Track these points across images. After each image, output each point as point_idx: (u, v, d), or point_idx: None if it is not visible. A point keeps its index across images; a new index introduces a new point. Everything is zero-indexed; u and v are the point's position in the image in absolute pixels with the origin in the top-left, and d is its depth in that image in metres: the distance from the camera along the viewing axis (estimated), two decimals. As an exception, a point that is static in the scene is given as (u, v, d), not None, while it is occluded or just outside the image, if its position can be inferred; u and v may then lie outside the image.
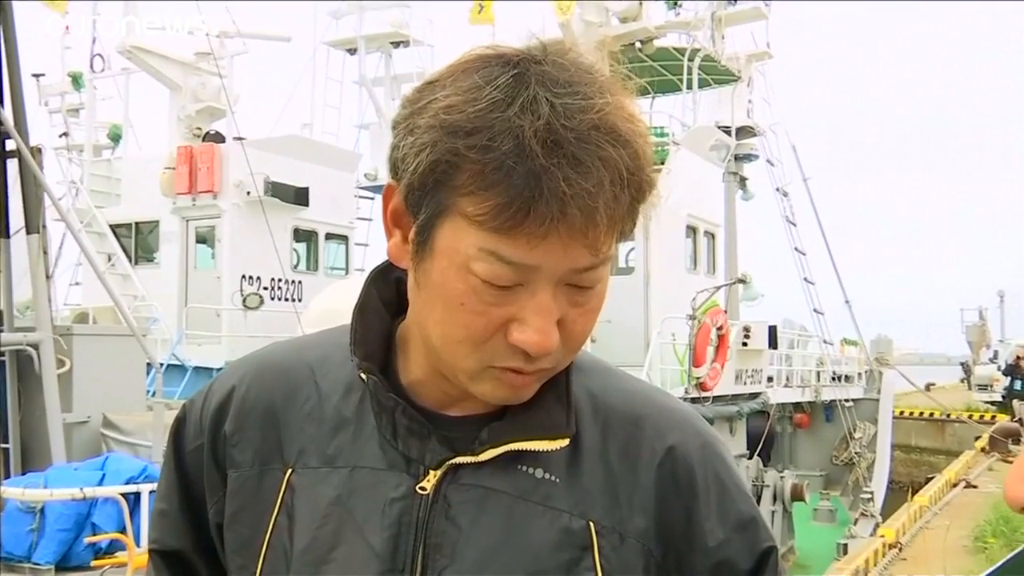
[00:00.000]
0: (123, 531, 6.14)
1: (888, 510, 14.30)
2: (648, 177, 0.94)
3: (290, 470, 1.08)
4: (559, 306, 0.95)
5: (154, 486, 6.50)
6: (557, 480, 1.03)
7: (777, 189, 19.25)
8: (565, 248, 0.91)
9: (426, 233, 0.96)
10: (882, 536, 9.66)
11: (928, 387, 24.49)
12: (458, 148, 0.89)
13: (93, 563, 6.40)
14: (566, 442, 1.03)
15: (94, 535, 6.38)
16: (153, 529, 1.24)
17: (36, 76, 17.29)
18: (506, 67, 0.92)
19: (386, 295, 1.12)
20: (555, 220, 0.89)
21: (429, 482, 1.02)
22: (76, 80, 16.97)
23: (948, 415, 24.77)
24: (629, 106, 0.94)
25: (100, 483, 6.45)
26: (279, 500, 1.07)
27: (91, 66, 16.56)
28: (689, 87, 15.55)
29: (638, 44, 15.21)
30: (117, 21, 15.07)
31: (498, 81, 0.91)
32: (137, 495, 6.39)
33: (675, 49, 16.04)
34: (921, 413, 25.55)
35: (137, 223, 15.52)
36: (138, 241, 15.58)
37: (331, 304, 11.11)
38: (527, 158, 0.87)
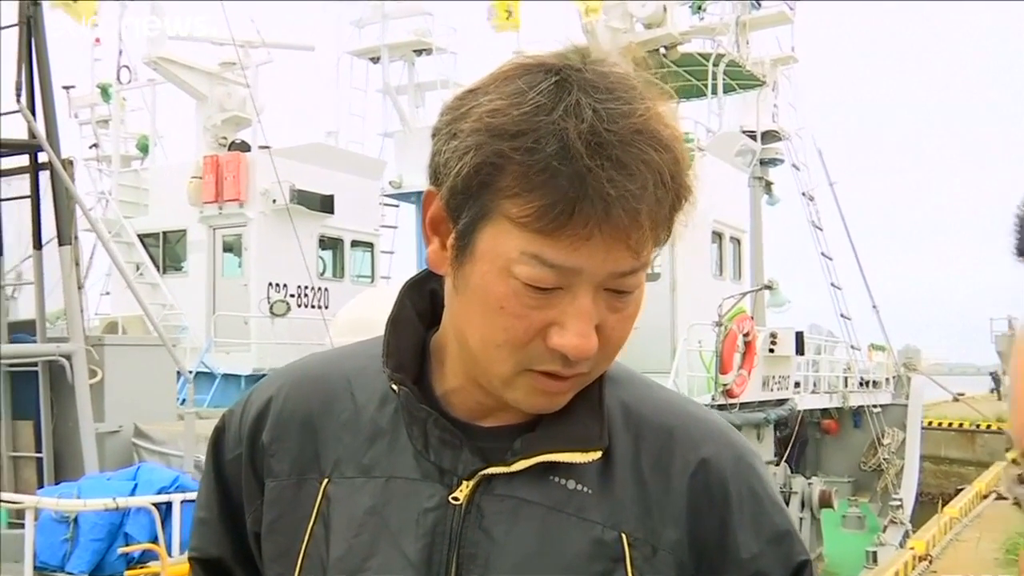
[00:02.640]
0: (155, 541, 6.18)
1: (918, 522, 14.16)
2: (686, 184, 0.95)
3: (326, 480, 1.09)
4: (598, 311, 0.96)
5: (186, 496, 6.55)
6: (590, 491, 1.03)
7: (803, 194, 19.13)
8: (608, 250, 0.92)
9: (467, 237, 0.96)
10: (912, 548, 9.57)
11: (957, 396, 24.19)
12: (503, 150, 0.90)
13: (126, 573, 6.44)
14: (599, 454, 1.03)
15: (127, 545, 6.44)
16: (193, 537, 1.26)
17: (66, 88, 17.47)
18: (548, 74, 0.94)
19: (420, 306, 1.13)
20: (599, 221, 0.90)
21: (462, 492, 1.03)
22: (105, 92, 17.13)
23: (978, 426, 24.50)
24: (668, 113, 0.95)
25: (132, 493, 6.52)
26: (316, 509, 1.08)
27: (118, 77, 16.73)
28: (714, 92, 15.51)
29: (663, 50, 15.18)
30: (140, 30, 15.24)
31: (541, 87, 0.92)
32: (169, 505, 6.44)
33: (700, 54, 16.00)
34: (951, 424, 25.26)
35: (165, 232, 15.63)
36: (166, 250, 15.69)
37: (359, 313, 11.14)
38: (572, 160, 0.88)
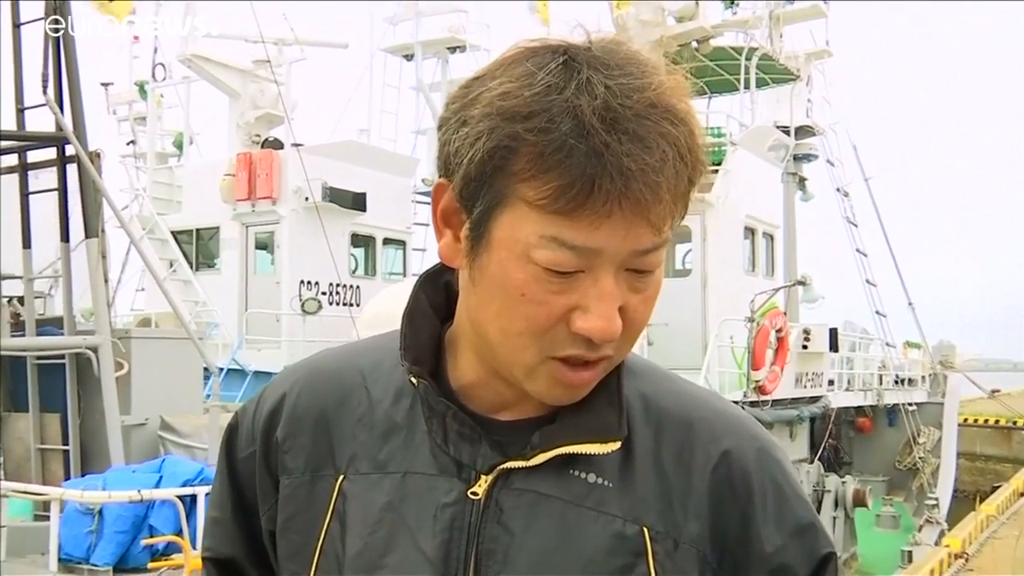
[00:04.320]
0: (179, 533, 6.22)
1: (953, 519, 13.98)
2: (702, 157, 0.94)
3: (342, 476, 1.08)
4: (621, 292, 0.95)
5: (210, 488, 6.64)
6: (610, 485, 1.02)
7: (837, 189, 18.95)
8: (628, 227, 0.91)
9: (482, 226, 0.95)
10: (947, 546, 9.45)
11: (993, 393, 23.88)
12: (517, 132, 0.89)
13: (150, 565, 6.51)
14: (618, 445, 1.02)
15: (151, 537, 6.50)
16: (206, 537, 1.25)
17: (104, 85, 17.68)
18: (555, 54, 0.93)
19: (435, 300, 1.12)
20: (619, 196, 0.88)
21: (481, 487, 1.01)
22: (142, 89, 17.31)
23: (1015, 422, 24.17)
24: (680, 87, 0.94)
25: (157, 485, 6.57)
26: (331, 506, 1.07)
27: (153, 75, 16.90)
28: (747, 87, 15.38)
29: (695, 44, 15.07)
30: (175, 27, 15.40)
31: (550, 67, 0.91)
32: (193, 497, 6.48)
33: (732, 48, 15.89)
34: (986, 420, 24.93)
35: (198, 229, 15.78)
36: (199, 247, 15.84)
37: (385, 307, 11.17)
38: (588, 136, 0.87)
